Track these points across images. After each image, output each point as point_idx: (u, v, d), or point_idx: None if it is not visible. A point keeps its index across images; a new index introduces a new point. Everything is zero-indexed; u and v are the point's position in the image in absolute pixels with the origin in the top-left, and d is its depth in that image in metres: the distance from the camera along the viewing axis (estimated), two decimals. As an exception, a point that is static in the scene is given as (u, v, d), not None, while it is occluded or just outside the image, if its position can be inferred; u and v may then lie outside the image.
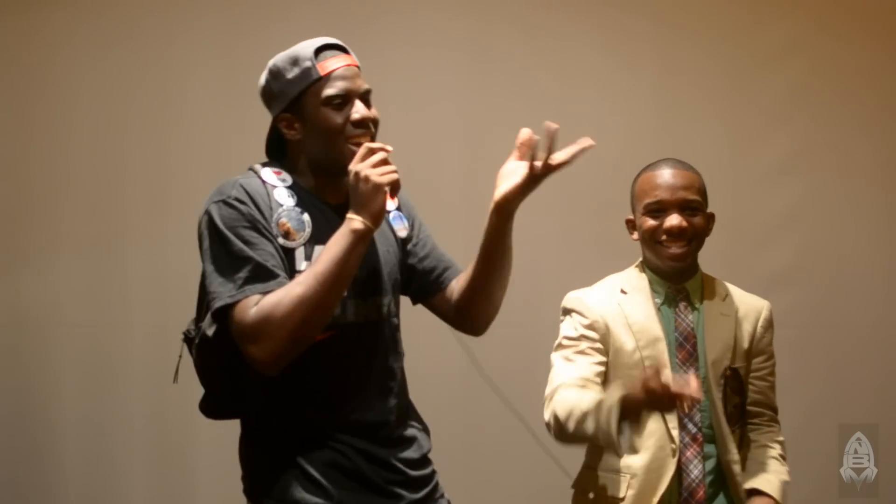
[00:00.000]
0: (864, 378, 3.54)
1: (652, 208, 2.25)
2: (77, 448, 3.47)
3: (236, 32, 3.52)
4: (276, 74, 1.99)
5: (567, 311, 2.31)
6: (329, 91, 1.93)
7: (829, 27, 3.58)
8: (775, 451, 2.28)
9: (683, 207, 2.23)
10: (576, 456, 2.37)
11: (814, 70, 3.58)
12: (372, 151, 1.87)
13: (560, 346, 2.27)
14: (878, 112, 3.59)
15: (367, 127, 1.94)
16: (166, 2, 3.53)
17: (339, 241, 1.84)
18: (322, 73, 1.94)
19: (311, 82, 1.94)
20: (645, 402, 1.93)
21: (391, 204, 2.03)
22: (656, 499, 2.16)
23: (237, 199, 1.91)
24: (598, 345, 2.24)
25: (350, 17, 3.50)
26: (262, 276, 1.85)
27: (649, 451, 2.19)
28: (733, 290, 2.35)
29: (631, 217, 2.34)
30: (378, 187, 1.84)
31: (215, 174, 3.49)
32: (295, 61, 1.96)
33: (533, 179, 1.95)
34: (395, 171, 1.87)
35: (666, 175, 2.27)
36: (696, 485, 2.19)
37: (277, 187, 1.96)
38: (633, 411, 1.95)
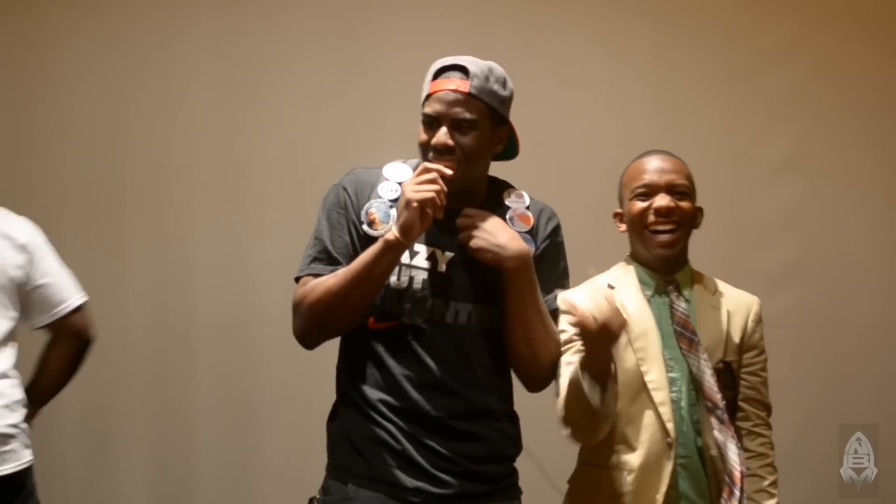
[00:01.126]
0: (864, 378, 3.54)
1: (640, 192, 2.25)
2: (77, 448, 3.47)
3: (236, 33, 3.52)
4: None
5: (559, 313, 2.27)
6: (425, 109, 2.05)
7: (829, 27, 3.59)
8: (768, 459, 2.26)
9: (671, 190, 2.23)
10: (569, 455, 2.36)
11: (814, 70, 3.58)
12: (426, 171, 1.96)
13: (560, 350, 2.24)
14: (879, 112, 3.59)
15: (443, 153, 2.00)
16: (166, 2, 3.53)
17: (373, 247, 1.98)
18: (430, 91, 2.05)
19: (424, 98, 2.07)
20: (590, 344, 1.98)
21: (521, 225, 2.12)
22: (660, 494, 2.14)
23: (343, 187, 2.10)
24: None
25: (350, 17, 3.51)
26: (325, 258, 2.05)
27: (645, 446, 2.17)
28: (722, 285, 2.34)
29: (619, 210, 2.34)
30: (408, 203, 1.93)
31: (215, 174, 3.54)
32: (428, 74, 2.09)
33: None
34: (431, 191, 1.93)
35: (654, 161, 2.28)
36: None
37: (388, 180, 2.10)
38: (594, 363, 2.00)
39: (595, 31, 3.58)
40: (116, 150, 3.50)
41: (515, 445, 2.16)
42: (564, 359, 2.22)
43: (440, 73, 2.06)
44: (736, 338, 2.26)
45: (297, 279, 2.07)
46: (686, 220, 2.26)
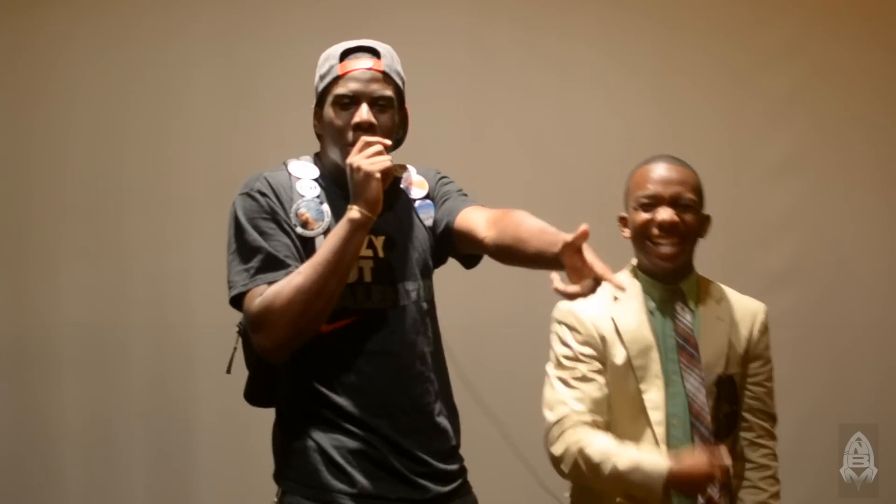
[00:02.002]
0: (864, 378, 3.53)
1: (644, 202, 2.21)
2: (77, 448, 3.46)
3: (236, 32, 3.52)
4: (318, 69, 2.06)
5: (559, 323, 2.25)
6: (338, 90, 1.99)
7: (829, 27, 3.58)
8: (769, 471, 2.26)
9: (676, 203, 2.20)
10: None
11: (814, 70, 3.58)
12: (368, 144, 1.92)
13: (559, 364, 2.22)
14: (879, 112, 3.59)
15: (368, 131, 1.96)
16: (166, 2, 3.53)
17: (337, 231, 1.90)
18: (340, 72, 1.99)
19: (331, 80, 2.00)
20: (684, 483, 2.06)
21: (419, 192, 2.11)
22: None
23: (259, 192, 1.99)
24: (597, 364, 2.19)
25: (350, 16, 3.50)
26: (272, 266, 1.92)
27: None
28: (729, 292, 2.31)
29: (623, 215, 2.30)
30: (369, 175, 1.88)
31: (215, 174, 3.53)
32: (327, 58, 2.04)
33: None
34: (387, 160, 1.91)
35: (661, 169, 2.23)
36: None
37: (302, 179, 2.03)
38: (674, 485, 2.07)
39: (595, 31, 3.57)
40: (116, 151, 3.50)
41: (459, 437, 2.12)
42: (559, 374, 2.21)
43: (346, 55, 2.01)
44: (740, 348, 2.24)
45: (239, 297, 1.93)
46: (690, 234, 2.22)
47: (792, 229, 3.57)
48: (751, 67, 3.56)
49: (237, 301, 1.95)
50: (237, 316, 3.54)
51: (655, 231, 2.20)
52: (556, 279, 1.71)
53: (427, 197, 2.12)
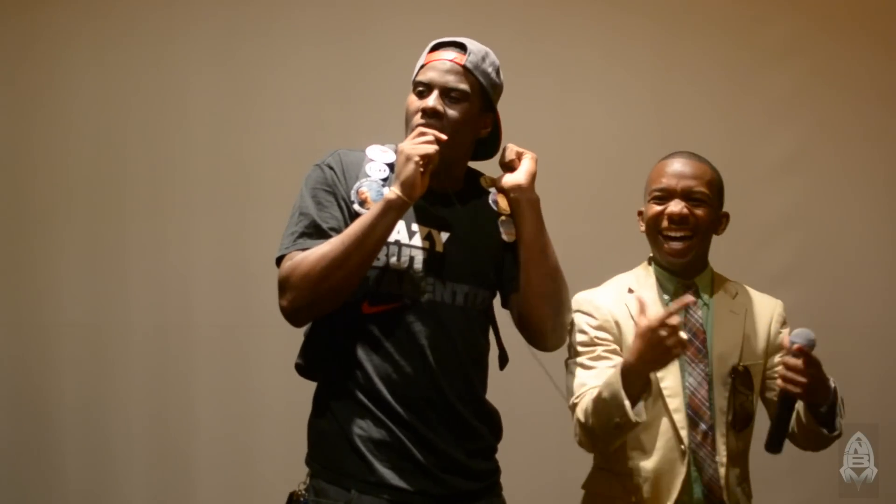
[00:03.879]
0: (864, 378, 3.53)
1: (657, 195, 2.24)
2: (77, 448, 3.47)
3: (237, 33, 3.52)
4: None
5: (575, 312, 2.25)
6: (418, 78, 2.04)
7: (830, 27, 3.58)
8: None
9: (688, 196, 2.22)
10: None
11: (815, 69, 3.58)
12: (422, 134, 1.94)
13: (575, 352, 2.22)
14: (880, 111, 3.59)
15: (431, 117, 1.99)
16: (167, 2, 3.53)
17: (372, 210, 1.92)
18: (425, 62, 2.05)
19: (418, 70, 2.06)
20: (641, 355, 1.95)
21: (504, 209, 2.11)
22: (671, 502, 2.13)
23: (328, 165, 2.04)
24: (613, 346, 2.20)
25: (350, 18, 3.51)
26: (315, 234, 1.97)
27: (659, 453, 2.16)
28: (745, 289, 2.33)
29: (642, 210, 2.32)
30: (409, 158, 1.90)
31: (215, 174, 3.54)
32: (424, 51, 2.09)
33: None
34: (432, 147, 1.92)
35: (676, 164, 2.26)
36: (713, 483, 2.16)
37: (374, 161, 2.05)
38: (636, 374, 1.98)
39: (595, 31, 3.57)
40: (116, 151, 3.51)
41: (498, 438, 2.13)
42: (577, 361, 2.21)
43: (437, 47, 2.06)
44: (760, 341, 2.25)
45: (281, 259, 1.99)
46: (701, 228, 2.24)
47: (793, 229, 3.57)
48: (751, 67, 3.56)
49: (279, 263, 1.99)
50: (237, 316, 3.55)
51: (665, 223, 2.23)
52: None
53: (511, 215, 2.11)
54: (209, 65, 3.51)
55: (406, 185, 1.90)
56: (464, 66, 2.02)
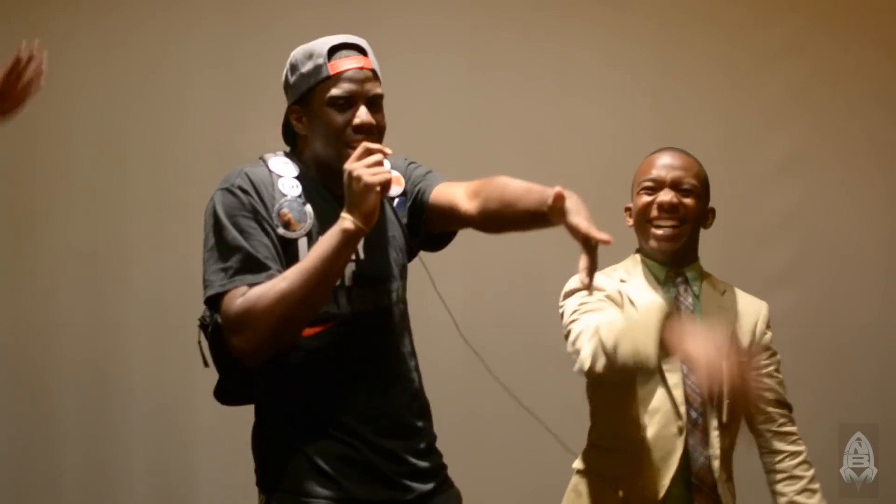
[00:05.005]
0: (864, 378, 3.54)
1: (646, 186, 2.26)
2: (77, 448, 3.47)
3: (237, 34, 3.53)
4: (293, 66, 2.00)
5: (572, 293, 2.22)
6: (334, 91, 1.93)
7: (829, 27, 3.58)
8: (801, 456, 2.30)
9: (677, 186, 2.24)
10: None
11: (814, 70, 3.58)
12: (369, 152, 1.85)
13: (575, 312, 2.14)
14: (879, 112, 3.59)
15: (369, 133, 1.93)
16: (167, 3, 3.53)
17: (328, 240, 1.83)
18: (332, 72, 1.94)
19: (321, 80, 1.94)
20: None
21: (397, 189, 2.04)
22: (666, 480, 2.14)
23: (240, 188, 1.92)
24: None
25: (350, 19, 3.49)
26: (252, 267, 1.86)
27: (655, 429, 2.16)
28: (733, 288, 2.34)
29: (629, 205, 2.34)
30: (370, 187, 1.81)
31: (215, 174, 3.50)
32: (310, 56, 1.96)
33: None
34: (388, 172, 1.86)
35: (665, 157, 2.29)
36: (704, 472, 2.17)
37: (283, 177, 1.96)
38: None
39: (595, 32, 3.58)
40: (117, 151, 3.51)
41: (433, 433, 2.10)
42: (581, 311, 2.14)
43: (332, 53, 1.95)
44: (744, 339, 2.26)
45: (215, 297, 1.88)
46: (690, 218, 2.25)
47: (792, 229, 3.58)
48: (750, 67, 3.57)
49: (213, 301, 1.89)
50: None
51: (655, 212, 2.24)
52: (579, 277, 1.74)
53: (404, 194, 2.08)
54: (209, 65, 3.51)
55: (368, 216, 1.82)
56: (373, 70, 1.98)
